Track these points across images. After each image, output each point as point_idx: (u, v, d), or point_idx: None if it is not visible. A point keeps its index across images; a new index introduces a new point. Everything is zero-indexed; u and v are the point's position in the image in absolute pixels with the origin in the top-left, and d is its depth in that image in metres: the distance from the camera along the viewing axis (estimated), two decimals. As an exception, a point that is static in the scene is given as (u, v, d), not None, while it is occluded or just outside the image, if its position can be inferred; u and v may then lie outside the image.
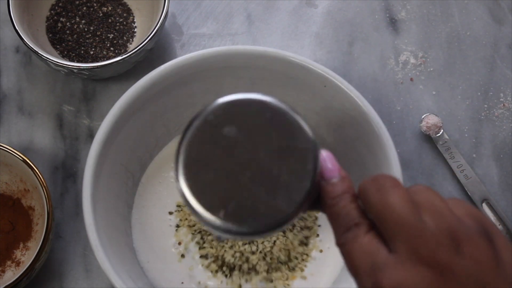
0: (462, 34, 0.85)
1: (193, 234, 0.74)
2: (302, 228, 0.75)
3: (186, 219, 0.75)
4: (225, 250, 0.73)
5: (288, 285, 0.73)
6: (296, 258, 0.74)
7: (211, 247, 0.73)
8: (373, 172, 0.70)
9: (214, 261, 0.73)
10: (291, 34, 0.85)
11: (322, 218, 0.75)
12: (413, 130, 0.81)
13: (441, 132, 0.79)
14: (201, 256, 0.73)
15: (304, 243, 0.74)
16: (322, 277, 0.73)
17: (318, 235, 0.75)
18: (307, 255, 0.74)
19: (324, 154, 0.49)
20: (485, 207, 0.77)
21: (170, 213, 0.75)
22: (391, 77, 0.83)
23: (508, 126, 0.81)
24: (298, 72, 0.71)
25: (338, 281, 0.72)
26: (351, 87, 0.70)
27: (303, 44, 0.84)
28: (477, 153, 0.80)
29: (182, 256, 0.73)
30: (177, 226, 0.75)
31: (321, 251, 0.74)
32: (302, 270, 0.73)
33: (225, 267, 0.73)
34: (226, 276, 0.73)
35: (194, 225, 0.74)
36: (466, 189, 0.78)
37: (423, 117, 0.80)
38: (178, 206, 0.76)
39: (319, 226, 0.75)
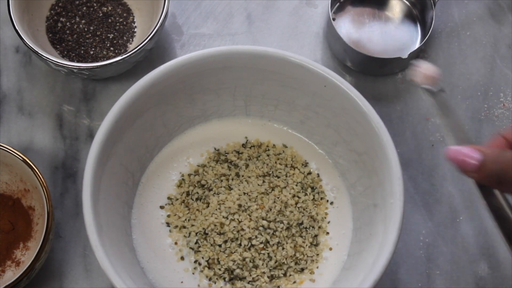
0: (462, 34, 0.85)
1: (185, 236, 0.74)
2: (311, 227, 0.74)
3: (175, 214, 0.74)
4: (226, 256, 0.73)
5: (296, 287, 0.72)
6: (306, 261, 0.73)
7: (206, 251, 0.73)
8: (373, 171, 0.70)
9: (210, 267, 0.73)
10: (291, 34, 0.85)
11: (332, 214, 0.75)
12: (413, 130, 0.81)
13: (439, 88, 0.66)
14: (196, 261, 0.73)
15: (314, 244, 0.74)
16: (330, 276, 0.73)
17: (328, 233, 0.75)
18: (317, 255, 0.74)
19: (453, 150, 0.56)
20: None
21: (162, 207, 0.75)
22: (391, 76, 0.83)
23: (508, 126, 0.81)
24: (298, 72, 0.71)
25: (338, 281, 0.72)
26: (351, 87, 0.70)
27: (303, 44, 0.84)
28: (477, 153, 0.80)
29: (182, 258, 0.73)
30: (168, 224, 0.74)
31: (330, 249, 0.74)
32: (312, 272, 0.73)
33: (225, 273, 0.72)
34: (224, 280, 0.72)
35: (184, 227, 0.74)
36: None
37: (412, 63, 0.65)
38: (169, 199, 0.76)
39: (328, 222, 0.75)
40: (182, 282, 0.72)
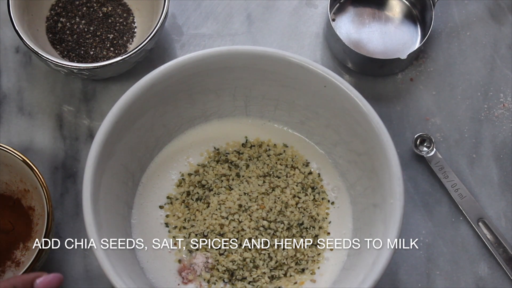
0: (462, 34, 0.85)
1: (185, 237, 0.74)
2: (312, 227, 0.74)
3: (174, 215, 0.74)
4: (224, 257, 0.73)
5: None
6: (307, 261, 0.73)
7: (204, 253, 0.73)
8: (373, 172, 0.70)
9: (206, 270, 0.73)
10: (291, 34, 0.85)
11: (332, 214, 0.75)
12: (413, 130, 0.81)
13: (433, 152, 0.79)
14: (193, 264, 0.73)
15: (314, 244, 0.74)
16: (330, 276, 0.73)
17: (329, 234, 0.75)
18: (318, 255, 0.74)
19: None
20: (481, 226, 0.77)
21: (161, 207, 0.75)
22: (391, 76, 0.83)
23: (508, 126, 0.81)
24: (298, 72, 0.71)
25: (338, 281, 0.72)
26: (351, 87, 0.70)
27: (303, 44, 0.84)
28: (477, 153, 0.80)
29: (179, 261, 0.73)
30: (167, 225, 0.74)
31: (331, 249, 0.74)
32: (313, 273, 0.73)
33: (225, 274, 0.72)
34: (224, 281, 0.72)
35: (184, 227, 0.74)
36: (461, 207, 0.77)
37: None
38: (169, 198, 0.75)
39: (329, 223, 0.75)
40: (179, 284, 0.72)
